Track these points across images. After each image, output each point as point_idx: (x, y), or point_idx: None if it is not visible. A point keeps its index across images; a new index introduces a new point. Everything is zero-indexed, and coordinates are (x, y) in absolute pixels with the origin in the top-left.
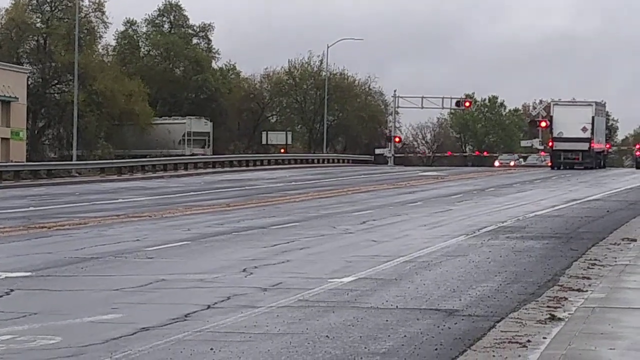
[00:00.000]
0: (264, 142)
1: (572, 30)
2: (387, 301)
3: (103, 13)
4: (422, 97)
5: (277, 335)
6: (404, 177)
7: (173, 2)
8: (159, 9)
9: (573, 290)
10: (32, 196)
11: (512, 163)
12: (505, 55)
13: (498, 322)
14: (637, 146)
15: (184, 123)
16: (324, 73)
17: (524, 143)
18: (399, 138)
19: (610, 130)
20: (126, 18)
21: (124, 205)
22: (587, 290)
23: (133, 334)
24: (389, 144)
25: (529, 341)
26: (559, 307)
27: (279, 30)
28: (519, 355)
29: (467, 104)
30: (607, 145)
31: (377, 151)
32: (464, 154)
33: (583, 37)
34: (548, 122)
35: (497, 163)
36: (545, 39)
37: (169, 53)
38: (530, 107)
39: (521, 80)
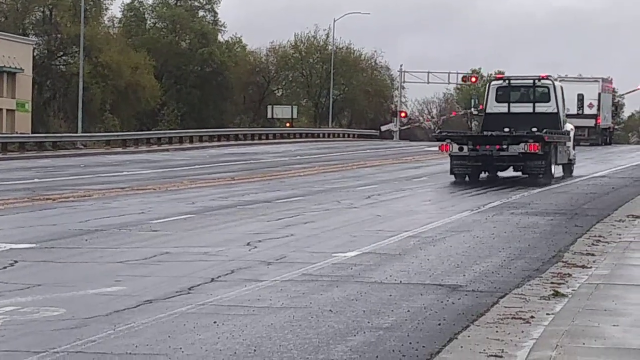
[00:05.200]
0: (269, 116)
1: (580, 4)
2: (390, 276)
3: None
4: (428, 72)
5: (281, 309)
6: (410, 152)
7: None
8: None
9: (577, 266)
10: (37, 168)
11: None
12: (512, 30)
13: (502, 297)
14: None
15: None
16: (330, 47)
17: None
18: (405, 113)
19: (617, 107)
20: None
21: (129, 178)
22: (591, 267)
23: (136, 307)
24: (395, 118)
25: (532, 317)
26: (563, 284)
27: (286, 4)
28: (522, 331)
29: (474, 79)
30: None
31: (383, 128)
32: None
33: (591, 11)
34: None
35: None
36: (553, 13)
37: (175, 26)
38: None
39: (528, 55)
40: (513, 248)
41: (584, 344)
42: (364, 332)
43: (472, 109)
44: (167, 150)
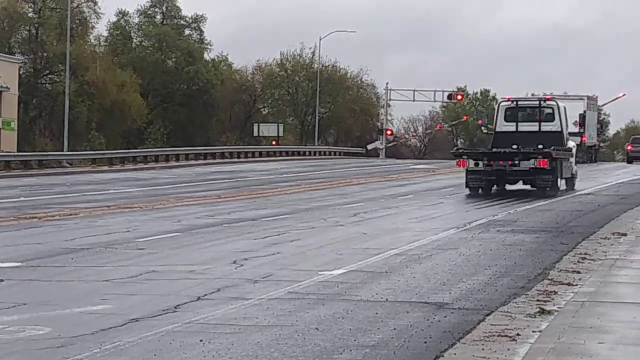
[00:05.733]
0: (255, 134)
1: (567, 23)
2: (377, 294)
3: (95, 3)
4: (414, 90)
5: (267, 327)
6: (396, 170)
7: None
8: (152, 0)
9: (563, 284)
10: (23, 186)
11: None
12: (499, 48)
13: (488, 315)
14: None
15: None
16: (316, 65)
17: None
18: (391, 131)
19: (602, 125)
20: (118, 9)
21: (115, 196)
22: (577, 284)
23: (122, 325)
24: (381, 136)
25: (518, 335)
26: (549, 301)
27: (272, 22)
28: (508, 349)
29: (460, 97)
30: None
31: (370, 147)
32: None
33: (578, 30)
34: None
35: None
36: (540, 32)
37: (161, 44)
38: None
39: (514, 74)
40: (499, 266)
41: None
42: (350, 350)
43: (482, 128)
44: (154, 168)
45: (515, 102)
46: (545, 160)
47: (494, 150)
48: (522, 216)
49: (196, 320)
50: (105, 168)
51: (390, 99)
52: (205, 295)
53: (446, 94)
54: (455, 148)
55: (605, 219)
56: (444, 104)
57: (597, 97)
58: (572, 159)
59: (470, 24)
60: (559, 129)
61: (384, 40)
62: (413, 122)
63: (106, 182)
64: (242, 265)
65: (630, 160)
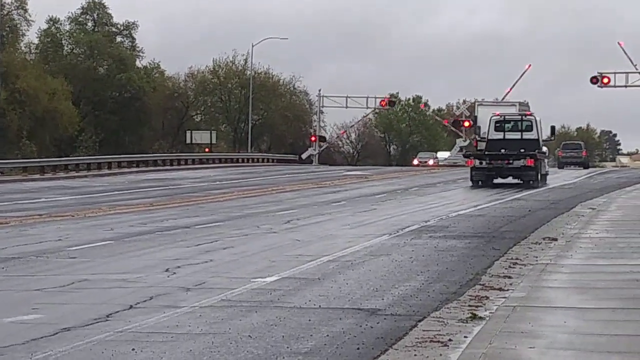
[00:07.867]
0: (188, 141)
1: (497, 30)
2: (310, 301)
3: (26, 11)
4: (347, 97)
5: (200, 335)
6: (329, 177)
7: (97, 0)
8: (82, 7)
9: (494, 289)
10: None
11: (430, 162)
12: (431, 55)
13: (420, 321)
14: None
15: None
16: (248, 72)
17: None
18: (324, 137)
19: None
20: (49, 16)
21: (47, 205)
22: (508, 289)
23: (54, 335)
24: (314, 143)
25: (450, 340)
26: (481, 306)
27: (204, 30)
28: (440, 354)
29: (383, 104)
30: None
31: (304, 155)
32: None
33: (508, 37)
34: (472, 122)
35: (415, 161)
36: (471, 38)
37: (93, 51)
38: (454, 107)
39: (446, 80)
40: (431, 271)
41: None
42: (283, 358)
43: (476, 136)
44: (86, 176)
45: (503, 117)
46: (532, 160)
47: (492, 153)
48: (454, 222)
49: (128, 329)
50: (37, 176)
51: (323, 106)
52: (138, 303)
53: (378, 100)
54: (465, 151)
55: (536, 224)
56: (377, 111)
57: (528, 102)
58: (547, 160)
59: (403, 31)
60: (536, 137)
61: (316, 47)
62: (346, 128)
63: (38, 191)
64: (174, 273)
65: (561, 165)
